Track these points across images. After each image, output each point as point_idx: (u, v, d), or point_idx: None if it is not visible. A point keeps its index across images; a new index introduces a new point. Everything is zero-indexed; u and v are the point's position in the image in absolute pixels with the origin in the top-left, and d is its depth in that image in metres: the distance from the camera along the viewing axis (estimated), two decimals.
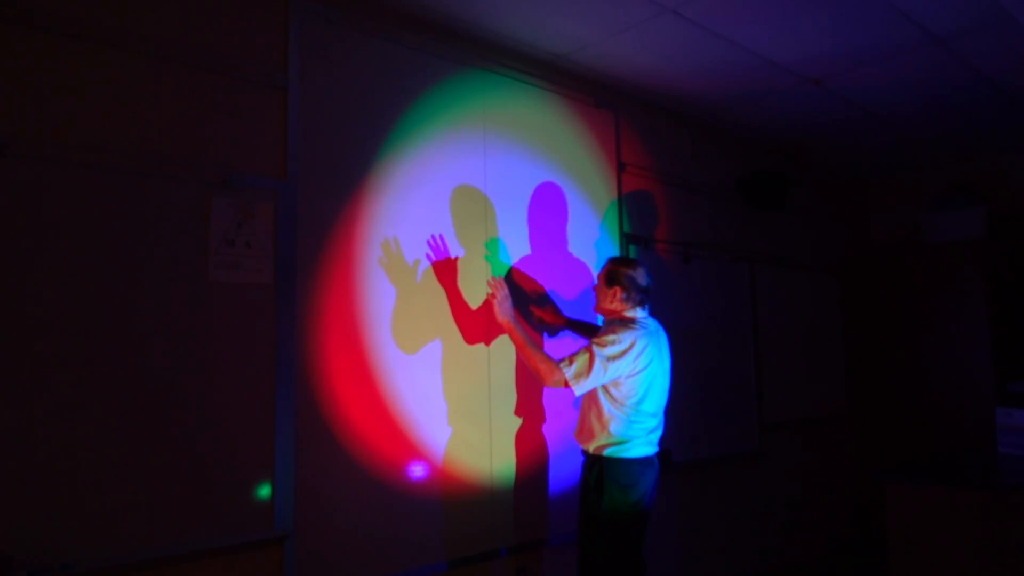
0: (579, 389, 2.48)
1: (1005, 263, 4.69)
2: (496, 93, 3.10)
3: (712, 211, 4.15)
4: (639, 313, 2.64)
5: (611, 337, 2.50)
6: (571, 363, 2.48)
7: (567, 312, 3.15)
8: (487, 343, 2.92)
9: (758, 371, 4.27)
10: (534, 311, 3.04)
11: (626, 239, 3.58)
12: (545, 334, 3.11)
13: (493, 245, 2.99)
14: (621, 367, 2.49)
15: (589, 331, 2.99)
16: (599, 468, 2.55)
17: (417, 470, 2.66)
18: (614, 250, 3.50)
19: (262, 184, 2.38)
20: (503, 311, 2.62)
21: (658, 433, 2.64)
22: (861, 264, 5.12)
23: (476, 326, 2.90)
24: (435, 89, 2.89)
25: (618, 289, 2.62)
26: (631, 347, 2.49)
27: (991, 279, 4.57)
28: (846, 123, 4.20)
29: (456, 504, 2.76)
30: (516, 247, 3.10)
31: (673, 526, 3.70)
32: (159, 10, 2.24)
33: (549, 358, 2.52)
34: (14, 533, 1.86)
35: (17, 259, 1.93)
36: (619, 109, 3.63)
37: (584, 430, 2.63)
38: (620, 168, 3.60)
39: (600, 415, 2.55)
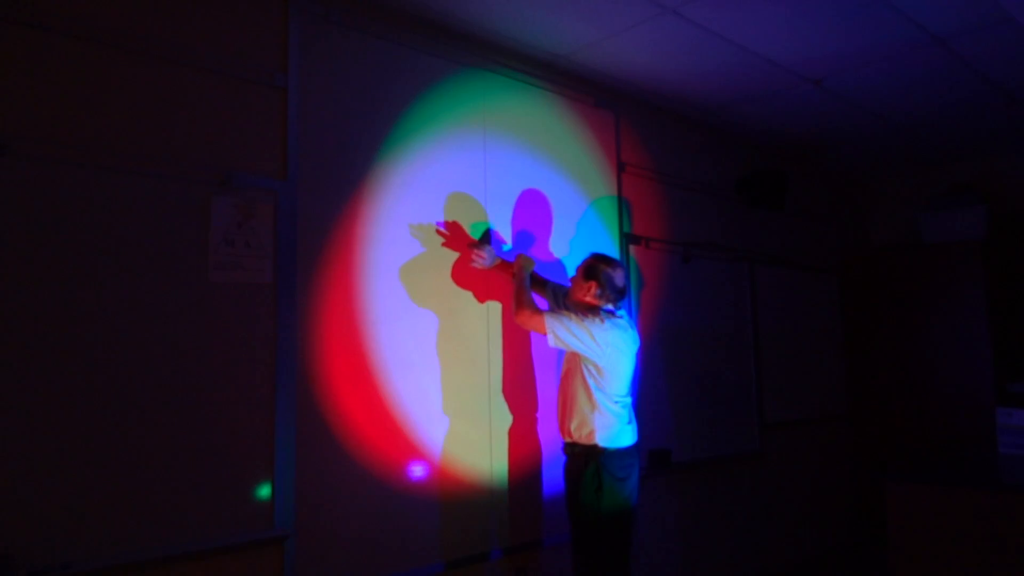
0: (552, 334, 2.55)
1: (1005, 263, 4.69)
2: (496, 93, 3.10)
3: (712, 211, 4.15)
4: (608, 307, 2.69)
5: (570, 312, 2.63)
6: (548, 312, 2.62)
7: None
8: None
9: (758, 371, 4.27)
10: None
11: (626, 239, 3.57)
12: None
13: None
14: (580, 334, 2.55)
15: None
16: (596, 462, 2.55)
17: (417, 470, 2.66)
18: (613, 251, 3.50)
19: (262, 184, 2.38)
20: (490, 259, 2.81)
21: (634, 423, 2.70)
22: (861, 264, 5.12)
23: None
24: (435, 89, 2.89)
25: (593, 284, 2.66)
26: (586, 321, 2.57)
27: (991, 279, 4.57)
28: (846, 123, 4.19)
29: (457, 504, 2.76)
30: (515, 248, 3.09)
31: (673, 526, 3.70)
32: (159, 10, 2.24)
33: (535, 303, 2.69)
34: (14, 533, 1.86)
35: (17, 259, 1.93)
36: (619, 109, 3.63)
37: (566, 415, 2.66)
38: (620, 168, 3.60)
39: (589, 394, 2.59)
